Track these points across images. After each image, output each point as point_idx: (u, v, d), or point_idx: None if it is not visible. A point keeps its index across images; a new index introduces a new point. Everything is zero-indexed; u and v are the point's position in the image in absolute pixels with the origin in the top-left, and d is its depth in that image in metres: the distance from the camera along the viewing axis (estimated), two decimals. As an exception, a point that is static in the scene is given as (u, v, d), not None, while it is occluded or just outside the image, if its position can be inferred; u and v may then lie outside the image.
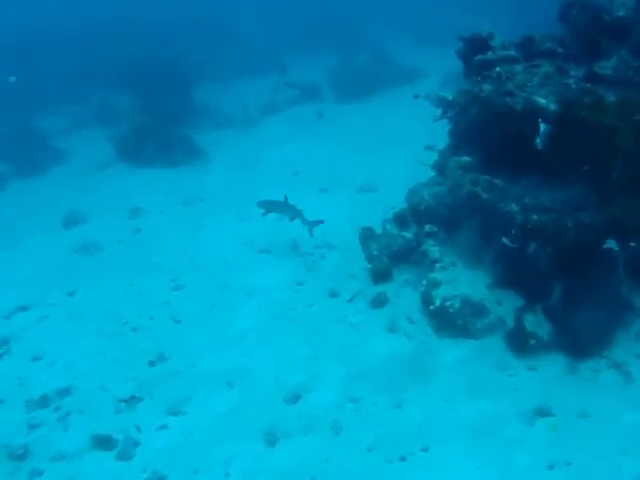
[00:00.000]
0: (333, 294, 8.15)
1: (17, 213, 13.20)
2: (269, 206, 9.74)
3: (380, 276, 8.26)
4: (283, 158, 13.90)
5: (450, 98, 8.23)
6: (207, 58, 20.91)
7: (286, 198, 9.03)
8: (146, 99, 16.68)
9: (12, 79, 18.38)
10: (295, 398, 6.33)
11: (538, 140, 6.76)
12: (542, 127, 6.68)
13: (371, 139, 14.08)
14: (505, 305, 7.10)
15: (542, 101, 6.62)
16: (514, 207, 6.74)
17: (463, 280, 7.47)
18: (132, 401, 6.72)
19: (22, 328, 8.51)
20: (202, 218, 11.09)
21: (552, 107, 6.53)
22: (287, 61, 21.67)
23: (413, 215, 8.74)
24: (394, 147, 13.03)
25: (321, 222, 9.18)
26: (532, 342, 6.59)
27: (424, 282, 7.57)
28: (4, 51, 20.38)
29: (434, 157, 8.93)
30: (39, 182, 14.81)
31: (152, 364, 7.21)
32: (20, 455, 6.20)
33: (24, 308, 9.00)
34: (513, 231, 6.86)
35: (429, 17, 24.01)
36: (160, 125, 15.28)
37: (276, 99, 18.59)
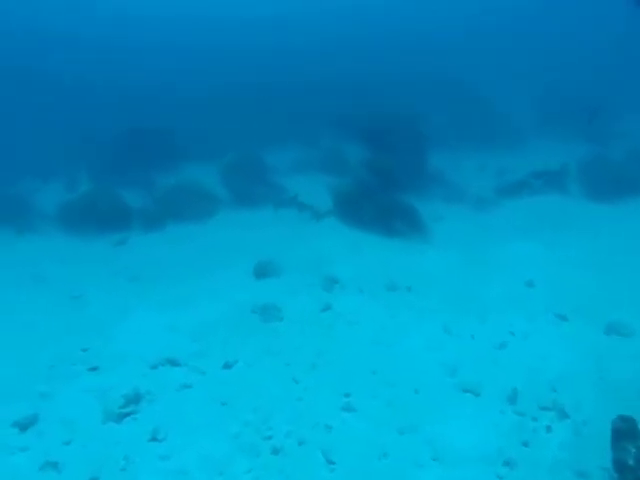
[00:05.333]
0: (553, 501, 5.42)
1: (218, 243, 12.57)
2: None
3: (630, 501, 5.34)
4: (515, 258, 11.34)
5: None
6: (446, 121, 19.32)
7: None
8: (376, 154, 15.39)
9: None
10: None
11: None
12: None
13: (627, 256, 10.97)
14: None
15: None
16: None
17: None
18: None
19: (160, 388, 7.17)
20: (402, 315, 8.95)
21: None
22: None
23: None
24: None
25: None
26: None
27: None
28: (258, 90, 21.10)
29: None
30: (249, 216, 14.08)
31: (276, 517, 5.19)
32: None
33: (173, 363, 7.70)
34: None
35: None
36: (385, 186, 13.71)
37: (517, 181, 16.03)
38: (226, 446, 6.06)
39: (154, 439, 6.25)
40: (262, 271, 10.64)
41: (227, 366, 7.55)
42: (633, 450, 5.61)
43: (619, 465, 5.65)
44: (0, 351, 8.33)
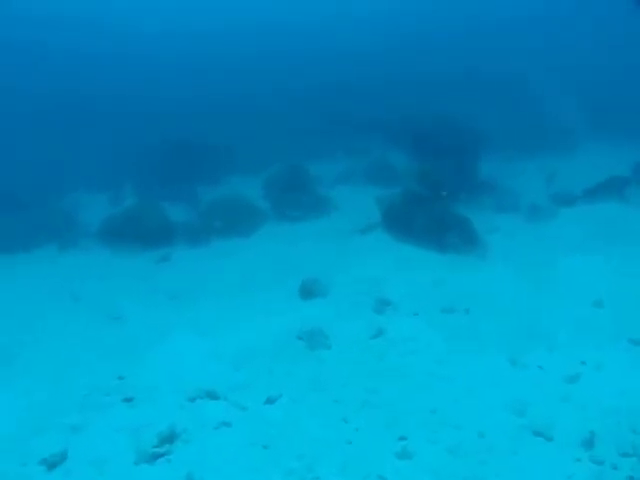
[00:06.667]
0: None
1: (262, 259, 12.02)
2: None
3: None
4: (579, 274, 10.37)
5: None
6: (493, 124, 18.30)
7: None
8: (424, 162, 14.60)
9: None
10: None
11: None
12: None
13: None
14: None
15: None
16: None
17: None
18: None
19: (197, 425, 6.56)
20: (462, 342, 8.12)
21: None
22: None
23: None
24: None
25: None
26: None
27: None
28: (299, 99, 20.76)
29: None
30: (294, 230, 13.50)
31: None
32: None
33: (212, 395, 7.08)
34: None
35: None
36: (435, 198, 12.86)
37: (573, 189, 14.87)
38: (266, 497, 5.41)
39: (190, 486, 5.65)
40: (308, 291, 9.99)
41: (270, 401, 6.89)
42: None
43: None
44: (35, 375, 7.94)
